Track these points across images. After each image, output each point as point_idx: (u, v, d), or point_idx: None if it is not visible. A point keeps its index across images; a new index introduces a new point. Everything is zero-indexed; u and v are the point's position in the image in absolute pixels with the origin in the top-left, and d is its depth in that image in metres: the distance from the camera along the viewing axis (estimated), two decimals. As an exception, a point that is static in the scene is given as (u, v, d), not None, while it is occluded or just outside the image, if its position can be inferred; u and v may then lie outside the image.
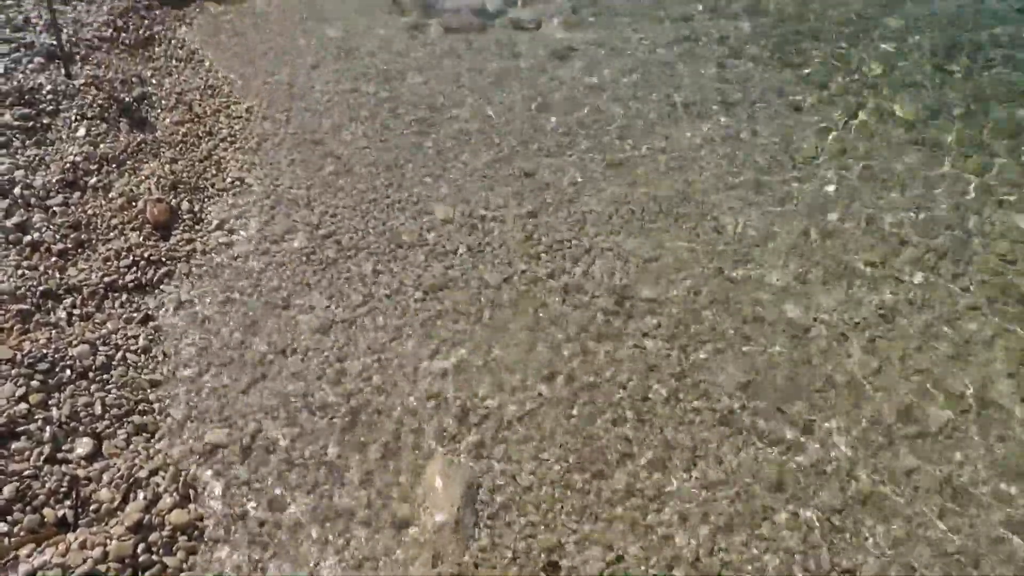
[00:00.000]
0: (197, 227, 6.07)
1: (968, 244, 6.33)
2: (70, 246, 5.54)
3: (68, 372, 4.73)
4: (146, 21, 8.57)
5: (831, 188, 6.92)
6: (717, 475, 4.68)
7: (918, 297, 5.87)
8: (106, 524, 4.09)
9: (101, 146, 6.42)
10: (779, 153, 7.34)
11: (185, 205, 6.19)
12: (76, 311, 5.17)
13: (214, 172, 6.62)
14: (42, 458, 4.24)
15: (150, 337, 5.18)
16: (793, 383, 5.24)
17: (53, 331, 4.94)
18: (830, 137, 7.55)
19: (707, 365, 5.35)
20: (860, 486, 4.64)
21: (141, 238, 5.79)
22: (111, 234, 5.76)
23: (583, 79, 8.52)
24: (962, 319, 5.70)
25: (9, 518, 3.96)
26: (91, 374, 4.80)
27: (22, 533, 3.94)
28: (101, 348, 4.97)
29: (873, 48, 8.99)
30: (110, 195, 6.05)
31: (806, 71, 8.65)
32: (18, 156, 6.00)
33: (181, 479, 4.40)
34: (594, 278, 5.99)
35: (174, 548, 4.11)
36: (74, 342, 4.91)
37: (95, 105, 6.78)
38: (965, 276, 6.04)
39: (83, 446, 4.42)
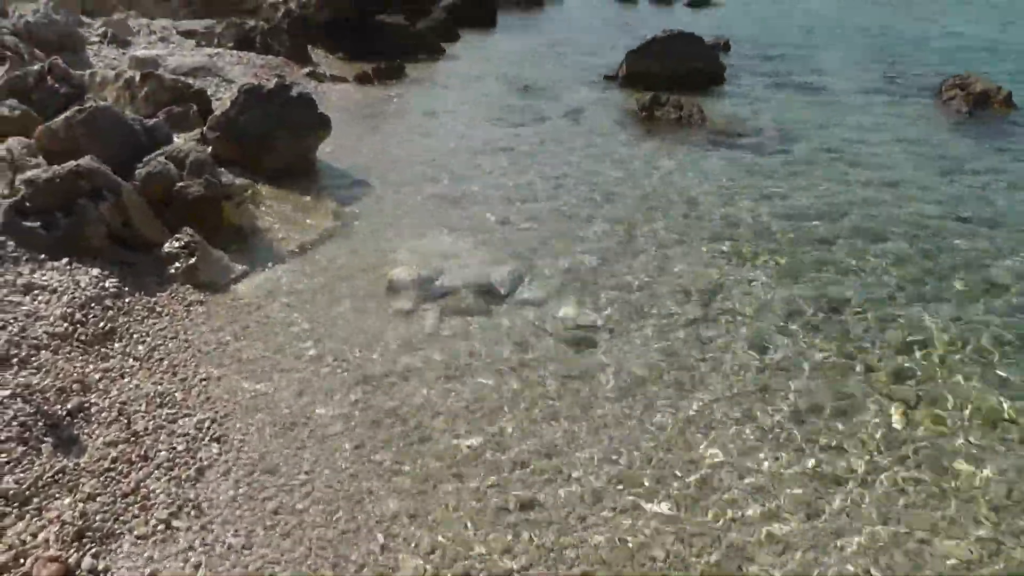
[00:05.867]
0: (96, 594, 4.87)
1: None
2: (-79, 629, 4.36)
3: None
4: (110, 312, 7.78)
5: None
6: None
7: None
8: None
9: (7, 479, 5.37)
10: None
11: (87, 561, 5.01)
12: None
13: (136, 512, 5.48)
14: None
15: None
16: None
17: None
18: None
19: None
20: None
21: (20, 613, 4.60)
22: (-17, 607, 4.59)
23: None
24: None
25: None
26: None
27: None
28: None
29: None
30: (-3, 548, 4.93)
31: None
32: None
33: None
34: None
35: None
36: None
37: (13, 424, 5.81)
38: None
39: None
